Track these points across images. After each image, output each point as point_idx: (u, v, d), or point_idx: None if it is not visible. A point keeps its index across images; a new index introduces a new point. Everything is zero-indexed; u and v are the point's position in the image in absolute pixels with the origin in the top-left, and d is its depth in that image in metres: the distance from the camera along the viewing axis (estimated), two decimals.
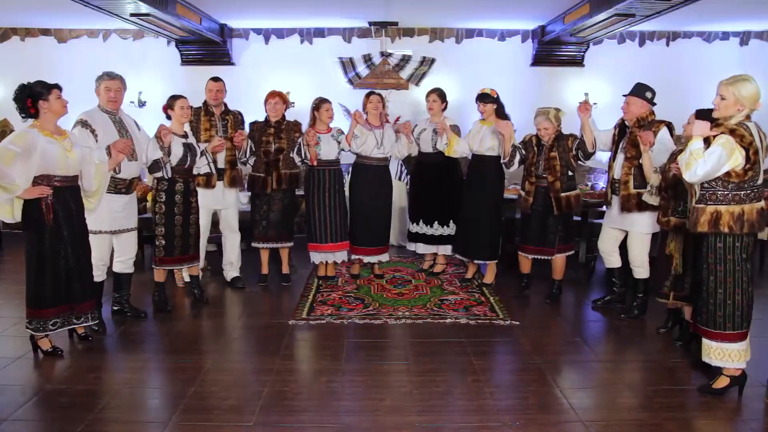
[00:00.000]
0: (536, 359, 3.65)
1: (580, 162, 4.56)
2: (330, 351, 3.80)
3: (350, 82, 7.41)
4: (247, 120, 5.18)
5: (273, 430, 2.82)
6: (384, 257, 5.31)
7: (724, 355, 3.15)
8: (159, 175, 4.27)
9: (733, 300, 3.11)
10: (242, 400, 3.09)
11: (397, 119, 5.48)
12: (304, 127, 5.08)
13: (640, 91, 4.16)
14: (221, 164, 4.85)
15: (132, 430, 2.83)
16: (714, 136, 3.01)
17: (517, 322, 4.29)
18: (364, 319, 4.34)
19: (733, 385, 3.18)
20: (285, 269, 5.30)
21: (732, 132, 2.96)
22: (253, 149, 4.98)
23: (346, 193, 5.25)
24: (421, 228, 5.30)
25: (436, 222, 5.23)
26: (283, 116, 5.07)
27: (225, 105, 4.99)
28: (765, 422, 2.96)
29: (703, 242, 3.14)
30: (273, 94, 5.02)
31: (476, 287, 5.11)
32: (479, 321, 4.33)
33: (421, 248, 5.40)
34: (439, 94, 5.12)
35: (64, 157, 3.45)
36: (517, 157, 4.67)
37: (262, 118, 5.10)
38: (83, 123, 3.88)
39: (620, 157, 4.24)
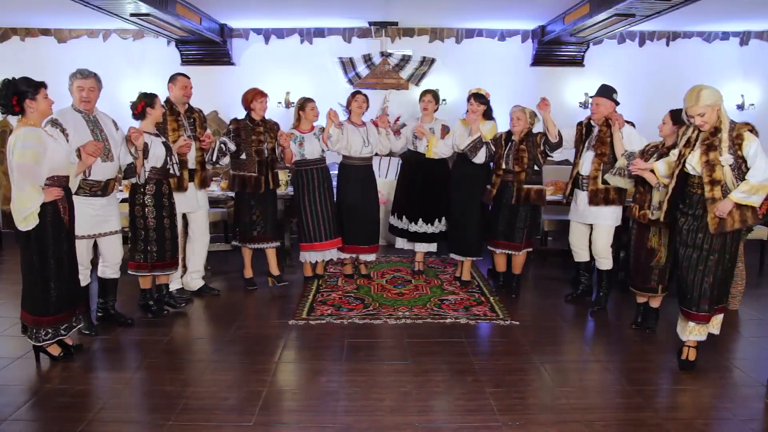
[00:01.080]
0: (536, 359, 3.66)
1: (548, 156, 4.70)
2: (330, 351, 3.81)
3: (350, 82, 7.40)
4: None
5: (273, 430, 2.82)
6: (371, 257, 5.33)
7: (695, 330, 3.49)
8: (134, 180, 4.10)
9: (729, 282, 3.61)
10: (242, 400, 3.09)
11: (397, 119, 5.49)
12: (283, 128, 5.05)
13: (607, 92, 4.42)
14: (191, 165, 4.64)
15: (132, 430, 2.83)
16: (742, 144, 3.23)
17: (517, 322, 4.29)
18: (364, 319, 4.34)
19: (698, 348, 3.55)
20: (276, 270, 5.18)
21: (740, 130, 3.25)
22: (228, 149, 4.76)
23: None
24: (404, 224, 5.30)
25: (420, 219, 5.23)
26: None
27: (188, 103, 4.74)
28: (765, 422, 2.96)
29: (727, 236, 3.33)
30: (262, 93, 4.90)
31: (476, 287, 5.10)
32: (479, 321, 4.33)
33: (399, 243, 5.42)
34: (434, 95, 5.17)
35: (66, 156, 3.43)
36: (483, 150, 4.74)
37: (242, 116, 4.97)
38: (53, 122, 3.65)
39: (589, 154, 4.45)
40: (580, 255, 4.72)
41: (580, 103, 7.43)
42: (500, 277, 5.07)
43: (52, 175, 3.34)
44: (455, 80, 7.35)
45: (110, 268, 4.13)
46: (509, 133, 4.77)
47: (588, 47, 7.30)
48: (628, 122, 4.39)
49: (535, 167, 4.69)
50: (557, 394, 3.19)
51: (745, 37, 7.41)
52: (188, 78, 4.71)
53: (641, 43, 7.43)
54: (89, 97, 3.86)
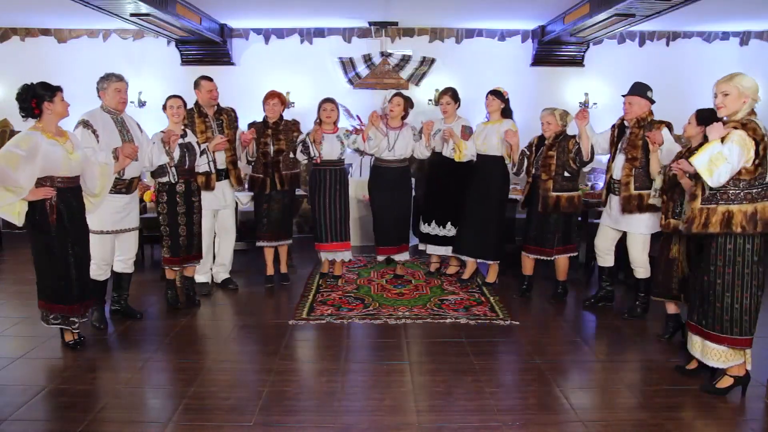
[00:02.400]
0: (536, 359, 3.65)
1: (578, 165, 4.54)
2: (330, 351, 3.81)
3: (350, 82, 7.41)
4: (245, 119, 5.17)
5: (273, 430, 2.82)
6: (404, 256, 5.32)
7: (727, 357, 3.11)
8: (165, 179, 4.29)
9: (740, 304, 3.03)
10: (242, 400, 3.09)
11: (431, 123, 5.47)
12: (303, 126, 5.09)
13: (641, 90, 4.14)
14: (221, 164, 4.84)
15: (132, 430, 2.83)
16: (727, 135, 2.96)
17: (517, 322, 4.29)
18: (364, 319, 4.34)
19: (737, 384, 3.16)
20: (284, 268, 5.31)
21: (744, 126, 2.94)
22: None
23: (352, 193, 5.28)
24: (433, 229, 5.30)
25: (449, 223, 5.23)
26: (281, 116, 5.05)
27: (218, 104, 4.93)
28: (765, 422, 2.96)
29: (711, 244, 3.07)
30: (272, 95, 5.00)
31: (477, 287, 5.11)
32: (479, 321, 4.33)
33: (431, 249, 5.40)
34: (452, 95, 5.09)
35: (67, 158, 3.47)
36: (525, 163, 4.72)
37: (260, 119, 5.07)
38: (85, 123, 3.88)
39: (620, 157, 4.21)
40: (604, 259, 4.52)
41: (580, 103, 7.42)
42: (525, 280, 4.91)
43: (45, 175, 3.42)
44: (455, 80, 7.32)
45: (125, 262, 4.26)
46: (541, 138, 4.66)
47: (588, 47, 7.30)
48: (663, 122, 4.03)
49: (565, 173, 4.52)
50: (557, 394, 3.19)
51: (745, 37, 7.41)
52: (212, 81, 4.86)
53: (641, 43, 7.43)
54: (125, 98, 4.08)
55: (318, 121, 5.03)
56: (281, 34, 7.39)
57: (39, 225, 3.47)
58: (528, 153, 4.73)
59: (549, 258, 4.71)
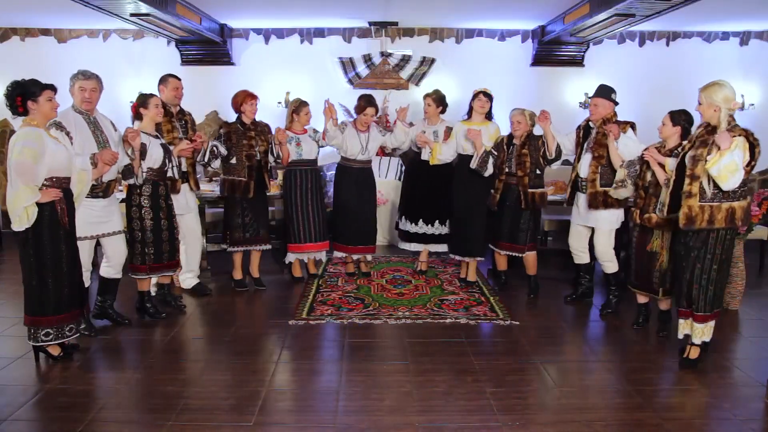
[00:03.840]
0: (536, 359, 3.66)
1: (548, 164, 4.70)
2: (330, 351, 3.81)
3: (350, 82, 7.41)
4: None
5: (273, 430, 2.82)
6: (369, 256, 5.36)
7: (706, 332, 3.49)
8: (131, 181, 4.05)
9: (722, 285, 3.56)
10: (242, 400, 3.09)
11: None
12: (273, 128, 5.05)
13: (606, 92, 4.35)
14: (184, 167, 4.63)
15: (132, 430, 2.83)
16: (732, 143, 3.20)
17: (517, 322, 4.29)
18: (364, 319, 4.34)
19: (703, 351, 3.54)
20: (256, 273, 5.14)
21: (745, 133, 3.24)
22: (220, 152, 4.72)
23: (329, 193, 5.27)
24: (412, 227, 5.30)
25: (430, 220, 5.24)
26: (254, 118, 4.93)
27: (179, 105, 4.73)
28: (765, 422, 2.96)
29: (710, 235, 3.33)
30: (252, 96, 4.85)
31: (476, 287, 5.11)
32: (479, 321, 4.33)
33: (408, 246, 5.41)
34: (435, 98, 5.09)
35: (69, 158, 3.42)
36: (490, 161, 4.76)
37: (232, 119, 4.96)
38: (57, 125, 3.60)
39: (587, 156, 4.38)
40: (580, 257, 4.69)
41: (580, 103, 7.43)
42: (502, 275, 5.07)
43: (51, 176, 3.34)
44: (455, 80, 7.35)
45: (113, 267, 4.13)
46: (510, 137, 4.76)
47: (588, 47, 7.30)
48: (627, 122, 4.28)
49: (537, 171, 4.69)
50: (557, 394, 3.19)
51: (745, 37, 7.41)
52: (179, 79, 4.68)
53: (641, 43, 7.43)
54: (91, 97, 3.86)
55: (288, 123, 5.05)
56: (281, 34, 7.39)
57: (49, 229, 3.33)
58: (495, 153, 4.78)
59: (520, 254, 4.84)
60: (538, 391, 3.24)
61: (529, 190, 4.64)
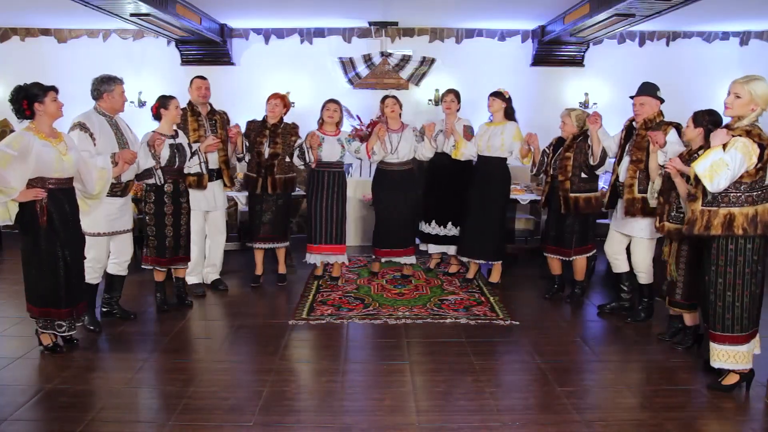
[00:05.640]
0: (536, 359, 3.65)
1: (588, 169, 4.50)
2: (330, 351, 3.81)
3: (350, 82, 7.40)
4: (244, 119, 5.16)
5: (273, 430, 2.82)
6: (411, 259, 5.30)
7: (730, 357, 3.14)
8: (151, 182, 4.22)
9: (741, 302, 3.08)
10: (242, 400, 3.09)
11: (433, 125, 5.45)
12: (304, 127, 5.08)
13: (651, 90, 4.08)
14: (214, 164, 4.78)
15: (132, 430, 2.83)
16: (730, 141, 2.98)
17: (517, 322, 4.29)
18: (364, 319, 4.34)
19: (742, 381, 3.19)
20: (282, 269, 5.28)
21: (748, 133, 2.97)
22: (248, 147, 4.98)
23: (351, 193, 5.28)
24: (433, 229, 5.31)
25: (449, 223, 5.25)
26: (281, 119, 5.02)
27: (210, 105, 4.90)
28: (765, 422, 2.96)
29: (712, 245, 3.10)
30: (275, 96, 4.99)
31: (476, 287, 5.10)
32: (479, 321, 4.33)
33: (432, 248, 5.41)
34: (456, 94, 5.14)
35: (59, 160, 3.43)
36: (545, 162, 4.74)
37: (260, 117, 5.05)
38: (82, 126, 3.83)
39: (626, 159, 4.14)
40: (617, 265, 4.41)
41: (580, 103, 7.42)
42: (555, 279, 4.90)
43: (36, 176, 3.39)
44: (455, 80, 7.33)
45: (119, 264, 4.23)
46: (560, 138, 4.67)
47: (588, 47, 7.29)
48: (671, 123, 3.93)
49: (583, 174, 4.48)
50: (557, 394, 3.19)
51: (745, 37, 7.41)
52: (203, 79, 4.86)
53: (641, 43, 7.43)
54: (125, 100, 4.09)
55: (320, 122, 5.02)
56: (281, 34, 7.38)
57: (28, 227, 3.43)
58: (548, 152, 4.73)
59: (568, 258, 4.69)
60: (538, 391, 3.24)
61: (571, 195, 4.46)
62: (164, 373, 3.47)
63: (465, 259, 5.23)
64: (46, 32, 7.32)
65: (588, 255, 4.74)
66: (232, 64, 7.34)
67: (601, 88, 7.23)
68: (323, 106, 5.01)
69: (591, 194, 4.53)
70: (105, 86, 3.96)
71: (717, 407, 3.09)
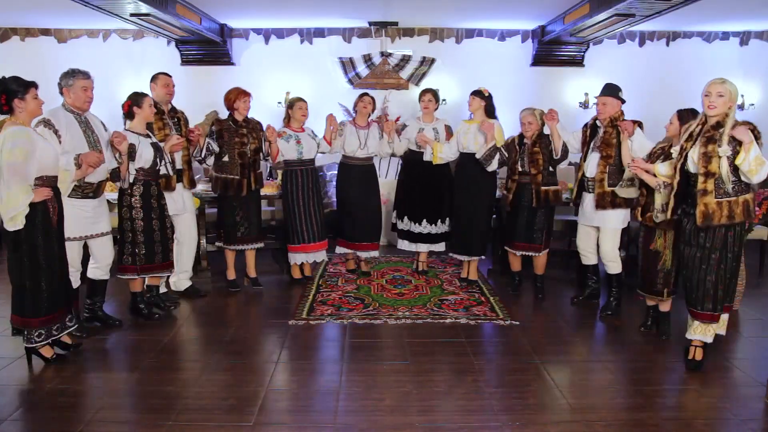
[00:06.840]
0: (536, 359, 3.65)
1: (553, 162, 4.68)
2: (330, 351, 3.81)
3: (350, 82, 7.41)
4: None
5: (273, 430, 2.82)
6: (374, 253, 5.35)
7: (706, 331, 3.47)
8: (119, 184, 4.04)
9: (734, 282, 3.54)
10: (242, 400, 3.09)
11: (398, 119, 5.48)
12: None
13: (613, 90, 4.32)
14: (178, 165, 4.54)
15: (131, 431, 2.83)
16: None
17: (517, 322, 4.29)
18: (364, 319, 4.34)
19: (705, 349, 3.53)
20: (253, 273, 5.14)
21: (748, 125, 3.23)
22: (213, 149, 4.68)
23: (329, 193, 5.27)
24: (407, 225, 5.32)
25: (424, 220, 5.25)
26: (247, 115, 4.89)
27: (171, 104, 4.67)
28: (765, 422, 2.95)
29: (729, 233, 3.33)
30: (246, 93, 4.81)
31: (476, 288, 5.10)
32: (479, 321, 4.33)
33: (405, 245, 5.41)
34: (434, 94, 5.19)
35: (56, 157, 3.38)
36: (497, 157, 4.75)
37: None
38: (46, 122, 3.57)
39: (594, 155, 4.35)
40: (588, 258, 4.64)
41: (580, 103, 7.44)
42: (516, 276, 5.01)
43: (41, 175, 3.30)
44: (455, 80, 7.35)
45: (101, 269, 4.06)
46: (521, 136, 4.74)
47: (588, 47, 7.30)
48: (635, 122, 4.21)
49: (550, 168, 4.65)
50: (557, 394, 3.19)
51: (745, 37, 7.41)
52: (170, 76, 4.63)
53: (641, 43, 7.43)
54: (92, 97, 3.82)
55: (286, 121, 5.07)
56: (281, 34, 7.39)
57: (36, 229, 3.29)
58: (506, 153, 4.77)
59: (537, 254, 4.80)
60: (538, 391, 3.24)
61: (542, 188, 4.60)
62: (163, 374, 3.46)
63: (464, 258, 5.21)
64: (46, 32, 7.33)
65: (547, 250, 4.85)
66: (232, 64, 7.35)
67: (600, 88, 7.21)
68: (292, 105, 5.03)
69: (556, 187, 4.72)
70: (64, 80, 3.74)
71: (717, 407, 3.09)
